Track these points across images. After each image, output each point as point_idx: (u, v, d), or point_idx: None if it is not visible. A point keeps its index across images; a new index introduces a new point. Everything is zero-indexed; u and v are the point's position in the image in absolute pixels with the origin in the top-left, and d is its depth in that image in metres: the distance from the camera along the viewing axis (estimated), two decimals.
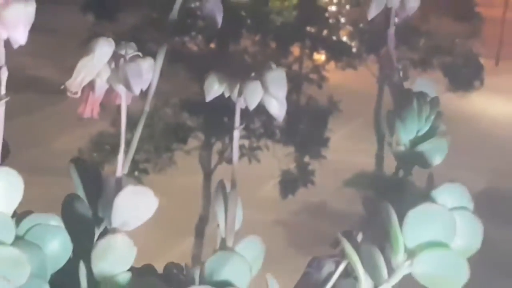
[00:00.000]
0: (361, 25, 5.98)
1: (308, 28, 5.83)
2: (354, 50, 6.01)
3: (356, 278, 0.62)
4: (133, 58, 0.57)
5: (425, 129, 0.63)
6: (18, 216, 0.56)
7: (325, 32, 5.93)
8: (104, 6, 5.36)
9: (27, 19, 0.38)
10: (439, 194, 0.54)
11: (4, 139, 0.54)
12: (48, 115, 6.93)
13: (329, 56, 5.86)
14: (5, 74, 0.52)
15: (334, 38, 5.96)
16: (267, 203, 5.61)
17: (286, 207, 5.75)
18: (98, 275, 0.57)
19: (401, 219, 0.52)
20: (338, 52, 5.82)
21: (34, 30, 0.48)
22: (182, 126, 5.35)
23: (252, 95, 0.58)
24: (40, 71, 7.63)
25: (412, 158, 0.60)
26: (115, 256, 0.57)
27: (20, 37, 0.37)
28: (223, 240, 0.61)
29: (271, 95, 0.58)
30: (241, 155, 5.13)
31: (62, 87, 0.56)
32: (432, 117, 0.63)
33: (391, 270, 0.53)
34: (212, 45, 5.64)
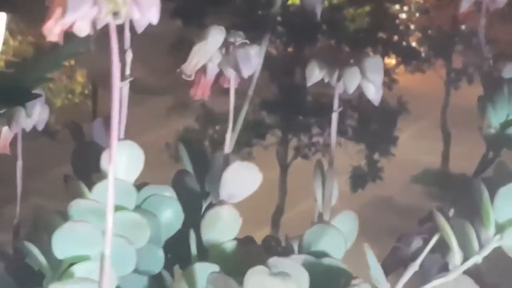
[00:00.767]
0: (429, 31, 5.91)
1: (379, 34, 5.78)
2: (423, 55, 5.94)
3: (442, 254, 0.62)
4: (242, 45, 0.58)
5: None
6: (136, 187, 0.57)
7: (395, 37, 5.87)
8: (191, 13, 5.40)
9: (158, 1, 0.38)
10: None
11: None
12: (137, 112, 7.00)
13: (399, 60, 5.81)
14: (129, 56, 0.54)
15: (404, 43, 5.90)
16: (339, 195, 5.57)
17: (356, 200, 5.71)
18: (206, 242, 0.58)
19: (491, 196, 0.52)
20: (407, 56, 5.76)
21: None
22: (261, 123, 5.36)
23: (351, 80, 0.58)
24: (132, 73, 7.71)
25: (502, 140, 0.59)
26: (222, 225, 0.58)
27: (153, 17, 0.38)
28: (320, 214, 0.61)
29: (368, 80, 0.58)
30: (316, 151, 5.11)
31: (178, 70, 0.57)
32: None
33: (481, 244, 0.53)
34: (290, 49, 5.63)
